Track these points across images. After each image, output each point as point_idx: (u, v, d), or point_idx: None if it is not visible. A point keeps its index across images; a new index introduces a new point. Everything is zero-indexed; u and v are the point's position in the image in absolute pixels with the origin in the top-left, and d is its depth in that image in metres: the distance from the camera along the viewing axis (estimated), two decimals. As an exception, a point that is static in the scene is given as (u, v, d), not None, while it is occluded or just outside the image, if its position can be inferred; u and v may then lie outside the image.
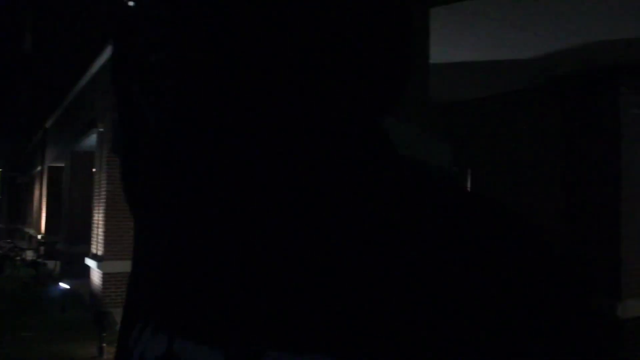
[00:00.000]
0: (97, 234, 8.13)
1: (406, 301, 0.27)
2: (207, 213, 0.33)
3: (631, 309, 4.95)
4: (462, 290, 0.27)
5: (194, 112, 0.29)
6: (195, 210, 0.33)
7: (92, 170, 10.96)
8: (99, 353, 5.49)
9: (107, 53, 8.12)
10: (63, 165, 13.34)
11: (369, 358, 0.27)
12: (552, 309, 0.27)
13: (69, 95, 11.66)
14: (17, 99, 24.73)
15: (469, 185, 5.42)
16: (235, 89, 0.28)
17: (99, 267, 7.64)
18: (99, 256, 7.88)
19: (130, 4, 0.31)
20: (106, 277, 7.47)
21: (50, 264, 11.86)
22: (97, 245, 8.09)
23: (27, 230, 20.46)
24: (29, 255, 13.18)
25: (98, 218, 8.16)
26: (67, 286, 8.25)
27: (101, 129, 8.34)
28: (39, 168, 17.19)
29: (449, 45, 4.67)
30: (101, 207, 8.00)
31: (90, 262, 8.26)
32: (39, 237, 15.35)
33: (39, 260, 12.03)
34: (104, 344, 5.45)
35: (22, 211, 23.46)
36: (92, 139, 9.49)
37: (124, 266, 7.30)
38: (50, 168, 15.15)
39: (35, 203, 18.00)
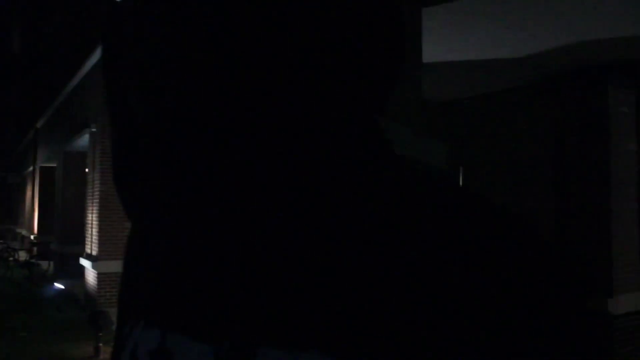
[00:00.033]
0: (92, 234, 8.12)
1: (405, 301, 0.27)
2: (206, 212, 0.33)
3: (622, 305, 5.02)
4: (461, 290, 0.27)
5: (194, 112, 0.29)
6: (194, 210, 0.33)
7: (84, 170, 10.91)
8: (96, 353, 5.50)
9: (99, 52, 8.09)
10: (55, 165, 13.26)
11: (367, 358, 0.27)
12: (552, 309, 0.27)
13: (60, 95, 11.58)
14: (7, 98, 24.50)
15: (460, 184, 5.45)
16: (235, 89, 0.29)
17: (93, 267, 7.63)
18: (93, 256, 7.87)
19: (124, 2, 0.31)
20: (101, 277, 7.46)
21: (44, 264, 11.80)
22: (92, 245, 8.08)
23: (18, 230, 20.31)
24: (22, 255, 13.11)
25: (92, 218, 8.15)
26: (61, 286, 8.23)
27: (94, 129, 8.32)
28: (30, 168, 17.07)
29: (441, 44, 4.71)
30: (95, 207, 7.99)
31: (85, 262, 8.24)
32: (32, 237, 15.25)
33: (33, 260, 11.97)
34: (101, 344, 5.46)
35: (13, 211, 23.28)
36: (84, 139, 9.45)
37: (119, 266, 7.23)
38: (42, 168, 15.06)
39: (27, 203, 17.88)
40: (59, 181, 12.09)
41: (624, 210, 5.34)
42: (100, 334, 5.45)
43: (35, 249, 13.68)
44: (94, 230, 7.99)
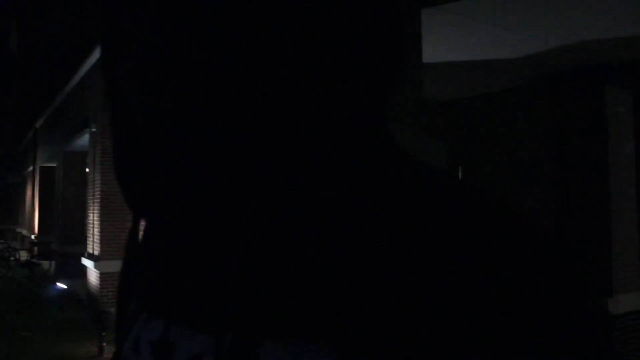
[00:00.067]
0: (93, 234, 8.13)
1: (405, 300, 0.27)
2: (207, 210, 0.33)
3: (622, 304, 5.03)
4: (462, 290, 0.27)
5: (194, 112, 0.29)
6: (195, 205, 0.33)
7: (84, 170, 10.91)
8: (99, 352, 5.52)
9: (98, 52, 8.06)
10: (55, 165, 13.25)
11: (369, 352, 0.27)
12: (552, 309, 0.27)
13: (59, 94, 11.56)
14: (6, 98, 24.42)
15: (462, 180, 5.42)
16: (235, 89, 0.29)
17: (95, 267, 7.65)
18: (95, 256, 7.88)
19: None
20: (103, 276, 7.48)
21: (45, 264, 11.81)
22: (93, 245, 8.09)
23: (19, 230, 20.27)
24: (23, 255, 13.11)
25: (93, 218, 8.16)
26: (64, 286, 8.25)
27: (94, 129, 8.32)
28: (30, 168, 17.03)
29: (441, 44, 4.73)
30: (96, 207, 8.00)
31: (86, 262, 8.25)
32: (33, 237, 15.24)
33: (34, 260, 11.97)
34: (104, 343, 5.48)
35: (13, 211, 23.24)
36: (84, 139, 9.44)
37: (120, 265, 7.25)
38: (42, 168, 15.04)
39: (28, 203, 17.86)
40: (59, 181, 12.09)
41: (623, 210, 5.34)
42: (104, 334, 5.48)
43: (36, 248, 13.68)
44: (95, 230, 8.01)
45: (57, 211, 12.18)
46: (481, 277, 0.27)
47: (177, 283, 0.35)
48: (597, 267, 5.04)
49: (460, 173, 5.61)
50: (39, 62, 16.98)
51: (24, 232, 18.35)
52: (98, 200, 7.87)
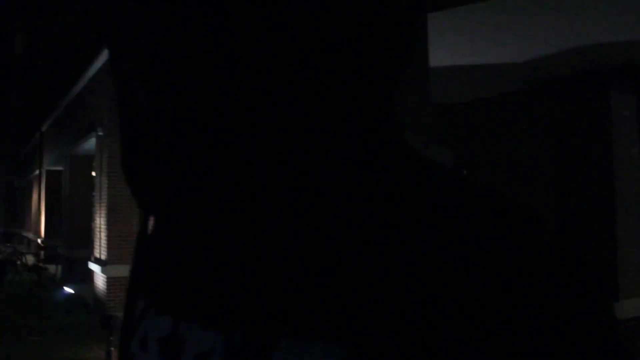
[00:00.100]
0: (100, 238, 8.15)
1: (406, 300, 0.28)
2: (214, 208, 0.32)
3: (628, 309, 5.00)
4: (462, 290, 0.27)
5: (194, 112, 0.29)
6: (201, 207, 0.33)
7: (91, 173, 10.95)
8: (107, 356, 5.54)
9: (105, 55, 8.12)
10: (61, 169, 13.31)
11: (378, 352, 0.27)
12: (553, 309, 0.27)
13: (65, 98, 11.62)
14: (12, 101, 24.56)
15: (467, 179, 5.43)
16: (235, 89, 0.28)
17: (103, 271, 7.66)
18: (102, 260, 7.90)
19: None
20: (110, 281, 7.49)
21: (51, 268, 11.85)
22: (100, 249, 8.11)
23: (25, 234, 20.36)
24: (30, 259, 13.16)
25: (100, 222, 8.18)
26: (71, 290, 8.27)
27: (100, 133, 8.35)
28: (37, 172, 17.12)
29: (446, 48, 4.73)
30: (103, 211, 8.02)
31: (93, 267, 8.27)
32: (39, 241, 15.30)
33: (40, 264, 12.01)
34: (112, 348, 5.49)
35: (20, 215, 23.34)
36: (91, 143, 9.47)
37: (128, 270, 7.27)
38: (49, 172, 15.11)
39: (34, 207, 17.95)
40: (65, 185, 12.14)
41: (628, 214, 5.32)
42: (112, 338, 5.49)
43: (42, 252, 13.73)
44: (102, 234, 8.03)
45: (63, 215, 12.22)
46: (481, 277, 0.27)
47: (187, 279, 0.35)
48: (602, 272, 5.02)
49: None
50: (45, 65, 17.06)
51: (31, 235, 18.42)
52: (105, 204, 7.88)
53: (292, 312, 0.29)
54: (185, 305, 0.34)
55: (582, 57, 4.94)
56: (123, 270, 7.29)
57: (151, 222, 0.41)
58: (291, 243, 0.31)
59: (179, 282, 0.35)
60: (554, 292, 0.27)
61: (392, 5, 0.31)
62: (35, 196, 17.73)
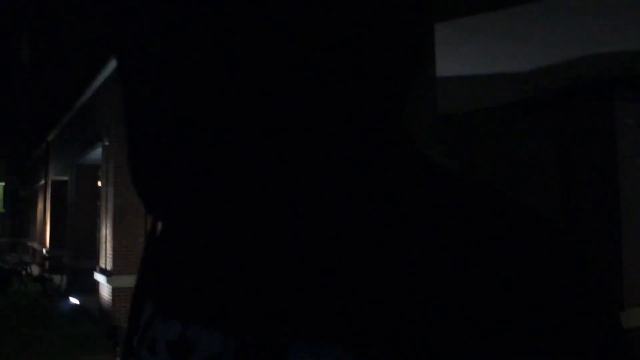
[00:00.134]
0: (105, 249, 8.15)
1: (408, 301, 0.27)
2: (217, 209, 0.32)
3: (635, 318, 4.96)
4: (463, 290, 0.27)
5: (194, 112, 0.29)
6: (204, 209, 0.32)
7: (97, 183, 10.98)
8: (113, 368, 5.52)
9: (112, 65, 8.17)
10: (66, 178, 13.36)
11: (386, 353, 0.27)
12: (553, 309, 0.26)
13: (72, 108, 11.69)
14: (18, 111, 24.74)
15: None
16: (235, 89, 0.28)
17: (108, 281, 7.65)
18: (107, 271, 7.89)
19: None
20: (116, 291, 7.47)
21: (56, 278, 11.85)
22: (106, 259, 8.10)
23: (30, 244, 20.42)
24: (35, 269, 13.17)
25: (105, 232, 8.18)
26: (76, 301, 8.26)
27: (107, 143, 8.38)
28: (42, 181, 17.19)
29: (451, 59, 4.75)
30: (108, 222, 8.02)
31: (99, 277, 8.26)
32: (44, 251, 15.33)
33: (46, 274, 12.02)
34: (118, 359, 5.48)
35: (25, 225, 23.41)
36: (97, 153, 9.51)
37: (133, 281, 7.26)
38: (54, 182, 15.17)
39: (39, 217, 17.99)
40: (71, 195, 12.17)
41: (634, 223, 5.33)
42: (117, 349, 5.47)
43: (47, 263, 13.74)
44: (107, 244, 8.02)
45: (69, 225, 12.24)
46: (485, 277, 0.27)
47: (195, 283, 0.35)
48: (607, 281, 5.00)
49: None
50: (51, 75, 17.19)
51: (35, 245, 18.47)
52: (111, 214, 7.89)
53: (304, 315, 0.29)
54: (195, 309, 0.34)
55: (586, 66, 4.98)
56: (129, 281, 7.27)
57: (159, 227, 0.41)
58: (297, 245, 0.31)
59: (187, 286, 0.35)
60: (555, 292, 0.27)
61: (391, 5, 0.31)
62: (40, 206, 17.79)
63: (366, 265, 0.29)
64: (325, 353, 0.28)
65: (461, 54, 4.73)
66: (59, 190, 14.71)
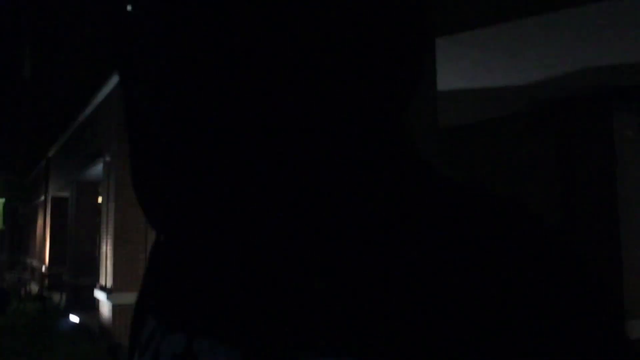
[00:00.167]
0: (106, 266, 8.11)
1: (408, 302, 0.27)
2: (223, 222, 0.31)
3: (636, 330, 4.93)
4: (463, 290, 0.27)
5: (194, 112, 0.29)
6: (205, 219, 0.31)
7: (97, 200, 10.97)
8: (114, 388, 5.45)
9: (113, 81, 8.21)
10: (66, 195, 13.34)
11: (380, 357, 0.27)
12: (554, 309, 0.26)
13: (72, 124, 11.73)
14: (18, 126, 24.82)
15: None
16: (235, 89, 0.28)
17: (108, 298, 7.60)
18: (108, 288, 7.84)
19: (129, 7, 0.31)
20: (116, 309, 7.42)
21: (56, 296, 11.77)
22: (106, 276, 8.06)
23: (29, 261, 20.33)
24: (34, 287, 13.09)
25: (106, 249, 8.14)
26: (76, 319, 8.19)
27: (108, 159, 8.39)
28: (42, 198, 17.18)
29: (451, 73, 4.80)
30: (109, 238, 7.99)
31: (99, 294, 8.21)
32: (43, 268, 15.26)
33: (45, 293, 11.94)
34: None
35: (24, 242, 23.34)
36: (97, 169, 9.52)
37: (134, 298, 7.23)
38: (54, 198, 15.16)
39: (38, 234, 17.94)
40: (71, 211, 12.15)
41: (633, 233, 5.36)
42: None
43: (46, 280, 13.67)
44: (108, 261, 7.99)
45: (68, 242, 12.20)
46: (484, 277, 0.27)
47: (200, 295, 0.35)
48: (608, 283, 5.01)
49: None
50: (52, 90, 17.28)
51: (35, 263, 18.38)
52: (111, 230, 7.86)
53: (310, 326, 0.29)
54: (200, 321, 0.34)
55: (585, 78, 5.03)
56: (129, 298, 7.22)
57: (163, 242, 0.41)
58: (301, 254, 0.31)
59: (192, 298, 0.35)
60: (555, 292, 0.27)
61: (391, 4, 0.31)
62: (39, 223, 17.75)
63: (367, 269, 0.29)
64: None
65: (461, 68, 4.77)
66: (59, 207, 14.69)
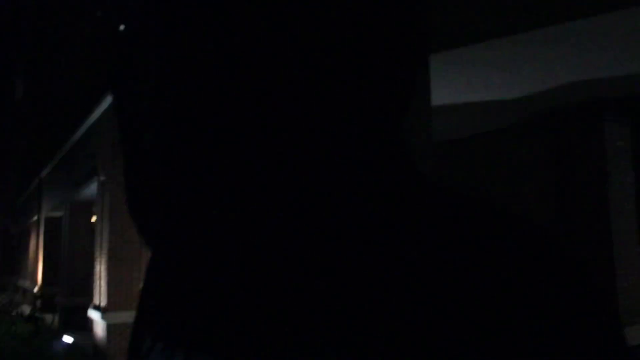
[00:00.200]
0: (100, 285, 8.02)
1: (409, 302, 0.27)
2: (216, 222, 0.31)
3: (630, 337, 4.95)
4: (463, 290, 0.27)
5: (194, 113, 0.29)
6: (201, 219, 0.31)
7: (91, 219, 10.88)
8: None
9: (107, 100, 8.22)
10: (59, 215, 13.23)
11: None
12: (553, 309, 0.26)
13: (66, 144, 11.69)
14: (10, 147, 24.68)
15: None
16: (235, 89, 0.28)
17: (103, 318, 7.51)
18: (102, 307, 7.75)
19: (121, 27, 0.31)
20: (110, 328, 7.33)
21: (48, 317, 11.60)
22: (100, 296, 7.97)
23: (20, 283, 20.03)
24: (25, 309, 12.91)
25: (100, 269, 8.07)
26: (70, 340, 8.07)
27: (102, 178, 8.35)
28: (34, 218, 17.02)
29: (445, 88, 4.85)
30: (103, 258, 7.93)
31: (93, 314, 8.11)
32: (35, 290, 15.06)
33: (37, 314, 11.77)
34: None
35: (15, 264, 23.03)
36: (92, 189, 9.47)
37: (129, 317, 7.19)
38: (47, 218, 15.03)
39: (31, 255, 17.73)
40: (65, 231, 12.04)
41: (626, 243, 5.43)
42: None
43: (39, 301, 13.48)
44: (102, 281, 7.91)
45: (62, 262, 12.07)
46: (484, 277, 0.27)
47: (198, 311, 0.34)
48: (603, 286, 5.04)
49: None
50: (45, 111, 17.24)
51: (27, 284, 18.12)
52: (106, 250, 7.81)
53: (310, 343, 0.29)
54: (198, 338, 0.33)
55: (576, 90, 5.11)
56: (124, 317, 7.15)
57: (157, 260, 0.40)
58: (301, 267, 0.30)
59: (189, 315, 0.35)
60: (555, 292, 0.27)
61: (391, 5, 0.31)
62: (32, 243, 17.55)
63: (367, 270, 0.29)
64: None
65: (455, 83, 4.83)
66: (51, 227, 14.55)
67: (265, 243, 0.31)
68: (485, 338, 0.26)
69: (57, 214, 13.71)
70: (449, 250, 0.28)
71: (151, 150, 0.31)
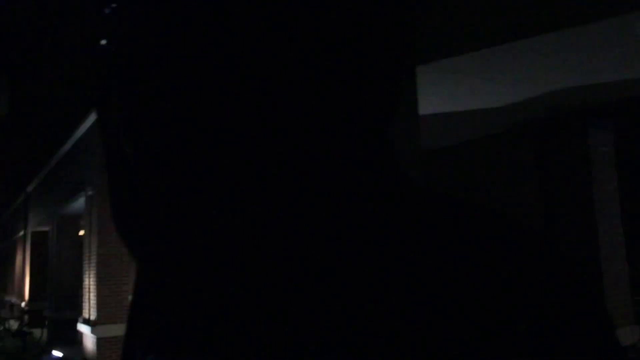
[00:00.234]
0: (89, 299, 7.94)
1: (408, 302, 0.27)
2: (208, 232, 0.30)
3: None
4: (463, 290, 0.27)
5: (194, 113, 0.28)
6: (193, 228, 0.30)
7: (78, 233, 10.78)
8: None
9: (94, 116, 8.16)
10: (46, 229, 13.07)
11: None
12: (552, 309, 0.27)
13: (52, 158, 11.58)
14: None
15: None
16: (235, 89, 0.28)
17: (92, 331, 7.42)
18: (91, 321, 7.66)
19: (103, 42, 0.31)
20: (100, 342, 7.24)
21: (37, 332, 11.42)
22: (89, 309, 7.88)
23: (7, 298, 19.70)
24: (13, 324, 12.68)
25: (89, 282, 7.98)
26: (59, 354, 7.96)
27: (90, 192, 8.29)
28: (21, 233, 16.78)
29: (433, 97, 4.90)
30: (92, 271, 7.85)
31: (82, 328, 8.01)
32: (23, 305, 14.82)
33: (25, 329, 11.57)
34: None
35: (2, 279, 22.65)
36: (79, 203, 9.39)
37: (119, 329, 7.11)
38: (34, 233, 14.83)
39: (17, 269, 17.46)
40: (52, 245, 11.90)
41: (611, 246, 5.52)
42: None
43: (26, 316, 13.26)
44: (91, 294, 7.82)
45: (49, 276, 11.91)
46: (484, 277, 0.27)
47: (189, 325, 0.33)
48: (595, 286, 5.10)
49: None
50: (31, 125, 17.07)
51: (13, 299, 17.83)
52: (94, 263, 7.73)
53: (309, 353, 0.28)
54: (189, 349, 0.33)
55: (561, 97, 5.18)
56: (113, 330, 7.07)
57: (145, 274, 0.40)
58: (301, 276, 0.30)
59: (179, 326, 0.34)
60: (555, 292, 0.27)
61: (375, 15, 0.31)
62: (19, 258, 17.29)
63: (367, 271, 0.28)
64: None
65: (442, 93, 4.88)
66: (39, 241, 14.36)
67: (258, 253, 0.30)
68: (485, 338, 0.26)
69: (45, 228, 13.54)
70: (448, 250, 0.28)
71: (141, 160, 0.30)
